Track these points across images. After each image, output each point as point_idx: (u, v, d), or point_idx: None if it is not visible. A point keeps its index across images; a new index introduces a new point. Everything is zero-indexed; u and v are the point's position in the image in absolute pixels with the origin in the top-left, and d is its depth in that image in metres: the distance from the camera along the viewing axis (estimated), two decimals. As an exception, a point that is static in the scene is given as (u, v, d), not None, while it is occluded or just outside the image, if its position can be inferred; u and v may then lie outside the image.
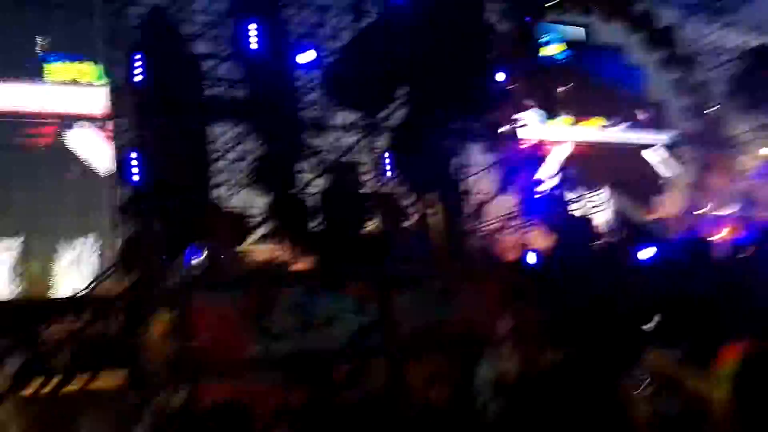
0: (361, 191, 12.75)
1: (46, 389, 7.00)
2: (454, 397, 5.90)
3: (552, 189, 13.21)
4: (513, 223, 11.69)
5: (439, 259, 8.21)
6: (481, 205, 11.79)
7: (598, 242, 10.35)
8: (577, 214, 11.98)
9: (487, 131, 12.54)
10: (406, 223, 11.06)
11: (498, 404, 6.05)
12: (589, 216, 11.40)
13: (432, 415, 5.81)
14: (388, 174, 12.79)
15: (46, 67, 14.42)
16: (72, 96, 14.40)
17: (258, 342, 6.85)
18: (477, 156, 12.98)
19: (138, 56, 12.19)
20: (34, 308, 9.61)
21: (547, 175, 13.82)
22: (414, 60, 12.94)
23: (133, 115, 12.60)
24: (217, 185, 13.41)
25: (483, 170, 12.36)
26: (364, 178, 13.39)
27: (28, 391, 7.26)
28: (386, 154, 13.11)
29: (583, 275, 8.03)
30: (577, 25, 17.12)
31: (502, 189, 12.53)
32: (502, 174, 12.75)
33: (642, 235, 10.82)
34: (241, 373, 6.46)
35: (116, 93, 13.08)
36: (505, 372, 6.79)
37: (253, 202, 13.08)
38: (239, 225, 12.13)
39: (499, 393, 6.32)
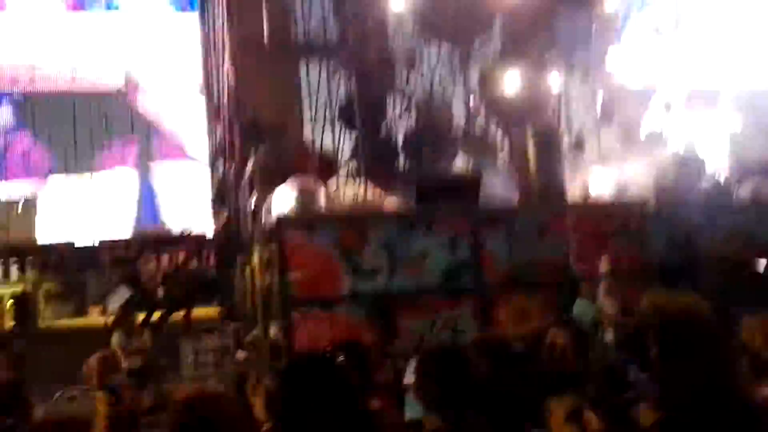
0: (452, 127, 12.41)
1: (149, 320, 7.30)
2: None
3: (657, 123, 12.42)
4: (613, 157, 11.08)
5: (534, 196, 7.88)
6: (579, 139, 11.23)
7: (710, 177, 9.66)
8: (685, 146, 11.23)
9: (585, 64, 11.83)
10: (499, 159, 10.71)
11: (596, 345, 5.82)
12: (699, 148, 10.64)
13: (527, 356, 5.61)
14: (480, 109, 12.37)
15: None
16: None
17: (349, 280, 6.83)
18: (574, 88, 12.31)
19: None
20: (137, 244, 10.03)
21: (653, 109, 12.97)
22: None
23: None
24: (307, 124, 13.40)
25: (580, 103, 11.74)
26: (455, 113, 13.00)
27: (133, 322, 7.61)
28: (477, 89, 12.65)
29: (692, 211, 7.52)
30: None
31: (603, 121, 11.89)
32: (599, 106, 12.09)
33: (756, 169, 9.99)
34: (333, 310, 6.49)
35: (206, 35, 13.17)
36: (604, 312, 6.52)
37: (343, 140, 13.01)
38: (329, 164, 12.12)
39: (597, 333, 6.07)
